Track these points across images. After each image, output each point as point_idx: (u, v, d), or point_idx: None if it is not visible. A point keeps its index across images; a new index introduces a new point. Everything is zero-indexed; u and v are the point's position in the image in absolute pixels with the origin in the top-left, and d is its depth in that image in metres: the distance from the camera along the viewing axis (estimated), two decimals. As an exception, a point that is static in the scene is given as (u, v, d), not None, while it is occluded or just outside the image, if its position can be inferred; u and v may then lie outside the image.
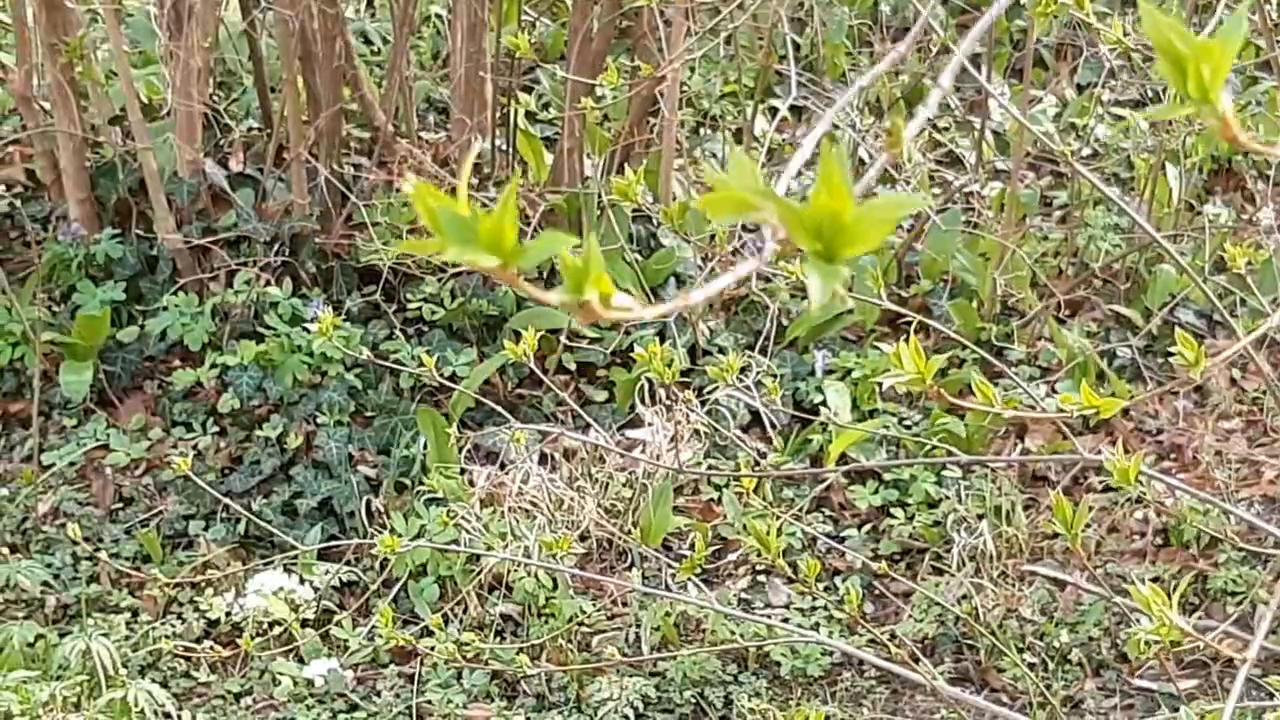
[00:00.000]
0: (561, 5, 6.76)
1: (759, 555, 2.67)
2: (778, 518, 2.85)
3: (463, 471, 4.94)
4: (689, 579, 4.70)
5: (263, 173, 5.65)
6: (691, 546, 4.18)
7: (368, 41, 6.69)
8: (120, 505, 5.10)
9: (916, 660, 3.71)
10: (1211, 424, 5.27)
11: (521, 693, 4.55)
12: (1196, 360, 1.64)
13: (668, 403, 5.00)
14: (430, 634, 4.30)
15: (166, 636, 4.53)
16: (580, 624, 4.67)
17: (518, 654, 3.35)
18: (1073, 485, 5.03)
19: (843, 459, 4.86)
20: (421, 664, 4.57)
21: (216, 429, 5.22)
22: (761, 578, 4.90)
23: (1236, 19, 0.88)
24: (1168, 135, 5.93)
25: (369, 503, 4.94)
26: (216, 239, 5.48)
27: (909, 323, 5.28)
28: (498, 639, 4.59)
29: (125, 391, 5.38)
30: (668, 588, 4.74)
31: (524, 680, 4.55)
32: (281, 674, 4.54)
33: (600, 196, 5.50)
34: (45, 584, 4.80)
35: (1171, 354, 1.88)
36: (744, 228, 5.80)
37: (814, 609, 4.73)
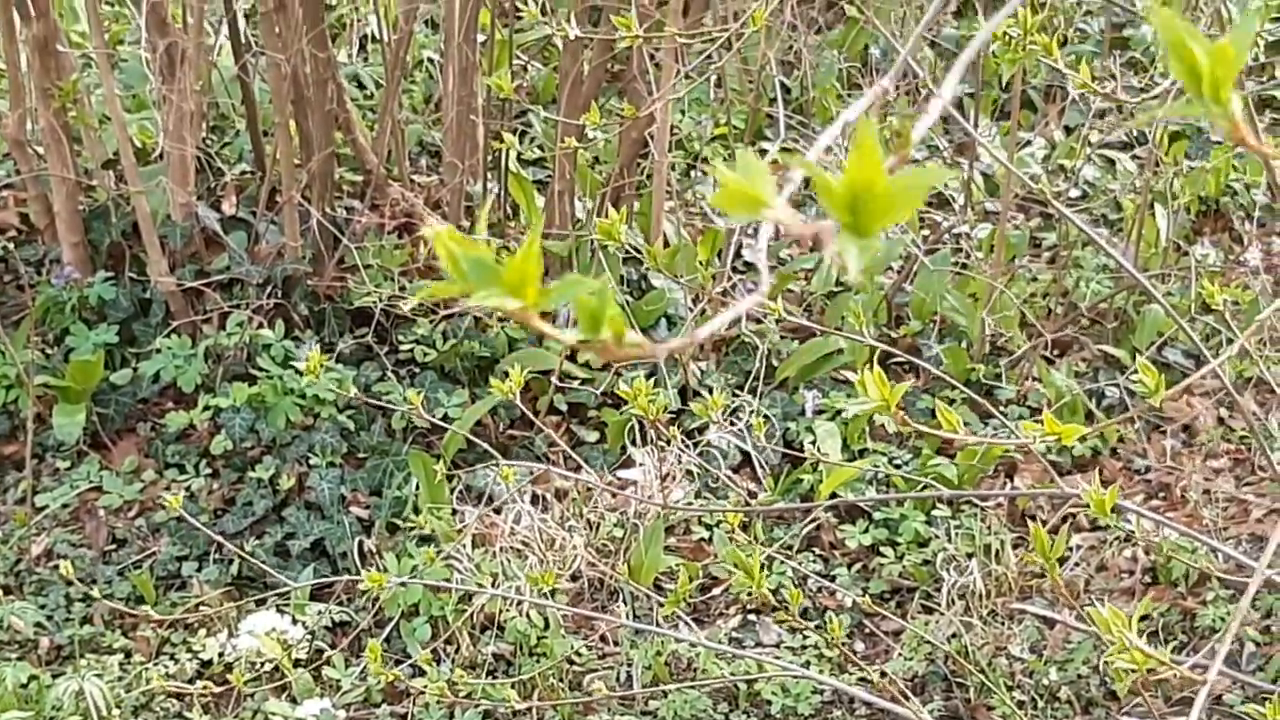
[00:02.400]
0: (553, 49, 6.80)
1: (749, 594, 2.69)
2: (766, 554, 2.88)
3: (454, 512, 4.96)
4: (677, 614, 4.72)
5: (255, 216, 5.67)
6: (682, 585, 4.19)
7: (360, 85, 6.74)
8: (113, 546, 5.11)
9: (906, 698, 3.72)
10: (1199, 463, 5.30)
11: (513, 732, 4.56)
12: (1156, 388, 1.67)
13: (659, 443, 5.02)
14: (422, 673, 4.32)
15: (160, 677, 4.54)
16: (571, 663, 4.68)
17: (509, 690, 3.36)
18: (1062, 524, 5.05)
19: (833, 499, 4.89)
20: (414, 703, 4.58)
21: (209, 471, 5.24)
22: (752, 617, 4.91)
23: (1248, 19, 0.90)
24: (1155, 176, 5.98)
25: (361, 544, 4.96)
26: (209, 282, 5.51)
27: (899, 363, 5.31)
28: (489, 678, 4.60)
29: (118, 434, 5.40)
30: (658, 626, 4.75)
31: (516, 718, 4.56)
32: (274, 714, 4.54)
33: (591, 238, 5.53)
34: (39, 625, 4.81)
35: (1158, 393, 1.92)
36: (734, 269, 5.84)
37: (804, 647, 4.74)
